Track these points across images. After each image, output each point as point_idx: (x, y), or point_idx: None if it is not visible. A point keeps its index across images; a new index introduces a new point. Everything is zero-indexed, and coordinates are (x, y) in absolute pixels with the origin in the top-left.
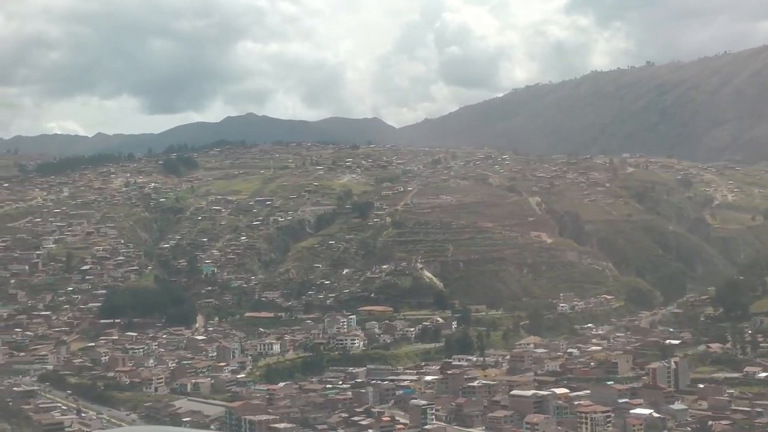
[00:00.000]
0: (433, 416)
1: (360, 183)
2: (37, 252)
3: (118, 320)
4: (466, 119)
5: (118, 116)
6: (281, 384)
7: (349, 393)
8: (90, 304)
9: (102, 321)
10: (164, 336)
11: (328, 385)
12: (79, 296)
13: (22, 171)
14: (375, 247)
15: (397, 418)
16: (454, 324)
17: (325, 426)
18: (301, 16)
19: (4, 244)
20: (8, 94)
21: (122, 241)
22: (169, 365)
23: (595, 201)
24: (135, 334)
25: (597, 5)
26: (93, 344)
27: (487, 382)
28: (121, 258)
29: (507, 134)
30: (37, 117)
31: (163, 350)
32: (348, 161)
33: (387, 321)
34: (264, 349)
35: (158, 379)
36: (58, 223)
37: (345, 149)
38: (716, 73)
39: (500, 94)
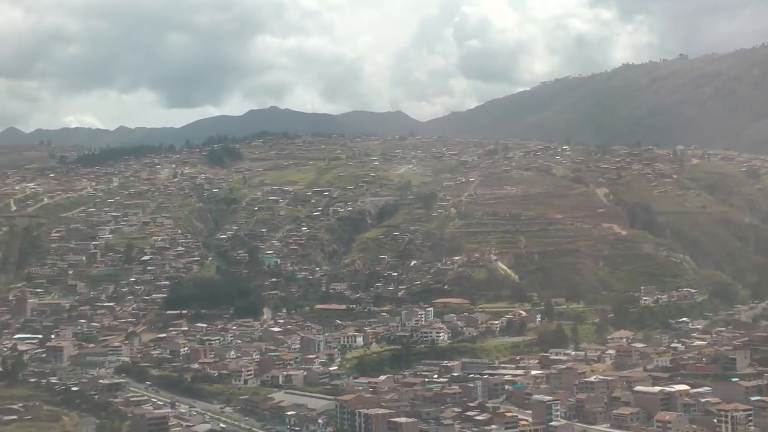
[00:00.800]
0: (558, 413)
1: (417, 174)
2: (94, 242)
3: (185, 311)
4: (494, 112)
5: (135, 110)
6: (382, 377)
7: (456, 387)
8: (153, 295)
9: (168, 312)
10: (234, 327)
11: (425, 379)
12: (142, 287)
13: (62, 162)
14: (442, 238)
15: (514, 414)
16: (538, 317)
17: (445, 420)
18: (320, 11)
19: (58, 235)
20: (27, 88)
21: (179, 232)
22: (253, 357)
23: (665, 192)
24: (205, 325)
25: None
26: (164, 335)
27: (603, 377)
28: (181, 248)
29: (538, 127)
30: (56, 111)
31: (240, 341)
32: (397, 151)
33: (466, 314)
34: (347, 341)
35: (247, 371)
36: (113, 213)
37: (391, 140)
38: (756, 64)
39: (523, 88)
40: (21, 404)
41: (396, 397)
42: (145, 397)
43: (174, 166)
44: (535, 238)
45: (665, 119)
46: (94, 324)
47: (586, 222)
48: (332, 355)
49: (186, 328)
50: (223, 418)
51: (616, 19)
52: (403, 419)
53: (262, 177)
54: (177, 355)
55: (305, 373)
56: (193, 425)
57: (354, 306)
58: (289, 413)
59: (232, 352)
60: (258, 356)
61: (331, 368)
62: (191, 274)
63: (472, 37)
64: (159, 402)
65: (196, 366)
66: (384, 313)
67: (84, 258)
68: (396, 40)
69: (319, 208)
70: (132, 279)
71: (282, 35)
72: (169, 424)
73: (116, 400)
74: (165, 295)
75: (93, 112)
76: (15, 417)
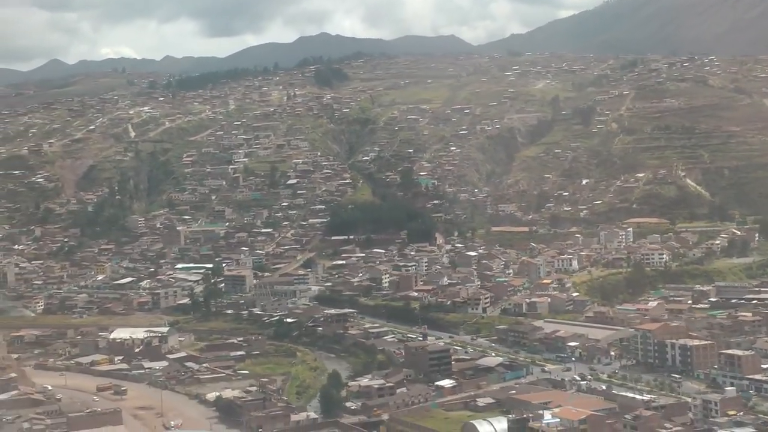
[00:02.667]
0: None
1: (558, 88)
2: (231, 167)
3: (351, 237)
4: (557, 33)
5: (175, 40)
6: (652, 303)
7: (748, 314)
8: (311, 220)
9: (333, 238)
10: (413, 253)
11: (691, 304)
12: (296, 212)
13: (152, 87)
14: (610, 154)
15: None
16: (757, 236)
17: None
18: None
19: (190, 159)
20: (67, 20)
21: (318, 154)
22: (475, 283)
23: None
24: (382, 250)
25: None
26: (343, 262)
27: None
28: (327, 171)
29: (611, 45)
30: (96, 42)
31: (439, 267)
32: (515, 68)
33: (671, 233)
34: (561, 264)
35: (485, 298)
36: (244, 136)
37: (501, 58)
38: None
39: (567, 11)
40: (240, 339)
41: (686, 326)
42: (385, 329)
43: (281, 87)
44: (719, 153)
45: (749, 34)
46: (258, 251)
47: (766, 134)
48: (561, 280)
49: (362, 254)
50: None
51: None
52: (739, 351)
53: (389, 96)
54: (379, 283)
55: (549, 300)
56: (476, 359)
57: (535, 228)
58: (571, 344)
59: (445, 279)
60: (477, 282)
61: (575, 294)
62: (346, 197)
63: None
64: (401, 333)
65: (414, 294)
66: (578, 235)
67: (224, 183)
68: None
69: (464, 127)
70: (284, 204)
71: None
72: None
73: (353, 332)
74: (324, 220)
75: (130, 44)
76: (242, 353)
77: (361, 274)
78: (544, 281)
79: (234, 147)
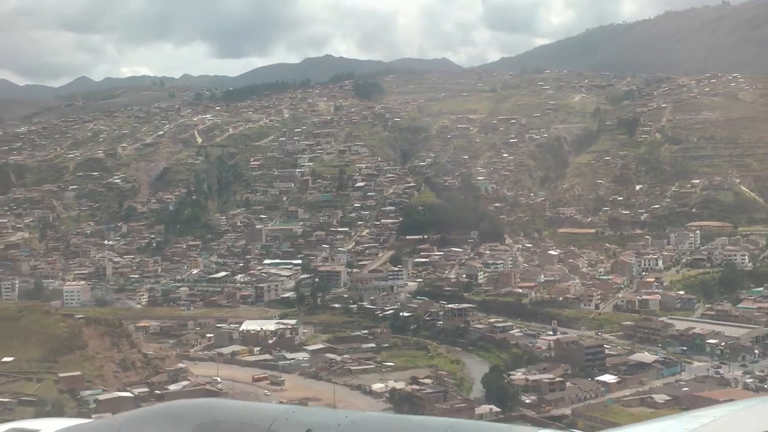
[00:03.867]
0: None
1: (593, 101)
2: (298, 170)
3: (424, 236)
4: (543, 58)
5: (187, 61)
6: None
7: None
8: (383, 220)
9: (408, 237)
10: (488, 252)
11: None
12: (367, 212)
13: (198, 98)
14: (658, 162)
15: None
16: None
17: None
18: None
19: (257, 163)
20: (93, 41)
21: (379, 159)
22: (575, 281)
23: None
24: (459, 249)
25: None
26: (426, 259)
27: None
28: (391, 175)
29: (594, 71)
30: (117, 62)
31: (527, 265)
32: (540, 84)
33: (737, 237)
34: (647, 264)
35: (597, 295)
36: (306, 142)
37: (527, 74)
38: None
39: (541, 39)
40: (365, 332)
41: None
42: (509, 323)
43: (325, 99)
44: (765, 162)
45: (730, 56)
46: (341, 249)
47: None
48: (659, 278)
49: (440, 252)
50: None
51: None
52: None
53: (435, 107)
54: (475, 279)
55: (659, 297)
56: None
57: (601, 230)
58: (710, 341)
59: (542, 276)
60: (576, 280)
61: (680, 292)
62: (413, 199)
63: None
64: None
65: (518, 290)
66: (647, 237)
67: (293, 185)
68: None
69: (512, 136)
70: (356, 205)
71: None
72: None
73: (479, 326)
74: (395, 221)
75: (148, 64)
76: (373, 345)
77: (455, 271)
78: (647, 279)
79: (297, 152)
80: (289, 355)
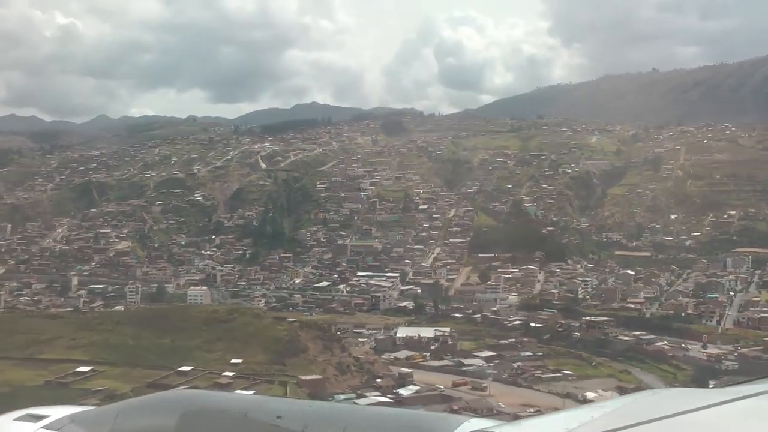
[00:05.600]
0: None
1: (609, 143)
2: (363, 193)
3: (494, 255)
4: (500, 111)
5: (188, 104)
6: None
7: None
8: (451, 240)
9: (480, 255)
10: (558, 270)
11: None
12: (436, 232)
13: (237, 132)
14: (687, 195)
15: None
16: None
17: None
18: (335, 32)
19: (323, 186)
20: (110, 86)
21: (432, 186)
22: (681, 299)
23: None
24: (535, 267)
25: (564, 29)
26: (509, 275)
27: None
28: (448, 200)
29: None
30: (128, 104)
31: (613, 282)
32: (544, 126)
33: None
34: (730, 285)
35: (719, 311)
36: (363, 169)
37: (527, 121)
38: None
39: (486, 96)
40: (512, 340)
41: None
42: (653, 336)
43: (358, 134)
44: None
45: (663, 115)
46: (423, 265)
47: None
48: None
49: (516, 270)
50: None
51: (559, 45)
52: None
53: (468, 143)
54: (576, 294)
55: None
56: None
57: (656, 253)
58: None
59: (641, 294)
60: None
61: None
62: (475, 222)
63: (449, 55)
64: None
65: (631, 305)
66: (703, 260)
67: (360, 206)
68: (390, 55)
69: (545, 169)
70: (425, 225)
71: (306, 50)
72: None
73: (624, 338)
74: (463, 240)
75: (152, 106)
76: (529, 353)
77: (541, 286)
78: (754, 298)
79: (358, 177)
80: (465, 361)
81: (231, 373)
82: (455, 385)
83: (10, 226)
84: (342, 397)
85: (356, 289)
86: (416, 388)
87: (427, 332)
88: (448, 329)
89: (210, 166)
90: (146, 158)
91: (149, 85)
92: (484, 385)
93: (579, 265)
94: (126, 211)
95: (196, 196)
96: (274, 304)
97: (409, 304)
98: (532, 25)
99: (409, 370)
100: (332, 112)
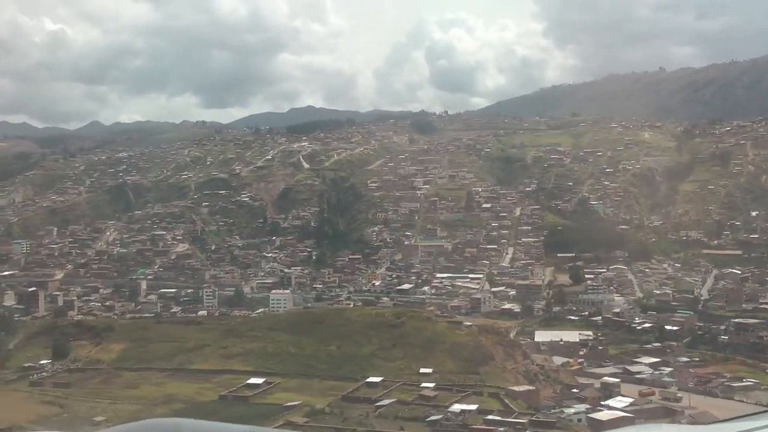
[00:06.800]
0: None
1: (661, 138)
2: (419, 192)
3: (571, 254)
4: (504, 112)
5: (177, 110)
6: None
7: None
8: (523, 239)
9: (558, 255)
10: (646, 270)
11: None
12: (506, 231)
13: (257, 134)
14: (762, 190)
15: None
16: None
17: None
18: (327, 35)
19: (375, 185)
20: (100, 91)
21: (488, 184)
22: None
23: None
24: (625, 267)
25: (557, 30)
26: (603, 270)
27: None
28: (511, 198)
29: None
30: (119, 110)
31: (725, 283)
32: (580, 123)
33: None
34: None
35: None
36: (413, 168)
37: (561, 117)
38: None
39: (478, 98)
40: (656, 344)
41: None
42: None
43: (391, 134)
44: None
45: (677, 115)
46: (503, 264)
47: None
48: None
49: (604, 269)
50: None
51: (552, 47)
52: None
53: (516, 139)
54: (691, 293)
55: None
56: None
57: (746, 252)
58: None
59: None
60: None
61: None
62: (545, 220)
63: (441, 58)
64: None
65: (765, 306)
66: None
67: (418, 205)
68: (382, 58)
69: (604, 166)
70: (494, 224)
71: (298, 54)
72: None
73: None
74: (535, 240)
75: (142, 112)
76: (687, 359)
77: (644, 287)
78: None
79: (410, 176)
80: (630, 368)
81: (430, 384)
82: (642, 395)
83: (56, 229)
84: (572, 410)
85: (442, 291)
86: (628, 399)
87: (569, 336)
88: (590, 333)
89: (251, 166)
90: (177, 159)
91: (139, 91)
92: (679, 395)
93: (665, 265)
94: (174, 212)
95: (243, 197)
96: (361, 306)
97: (513, 306)
98: (524, 27)
99: (615, 380)
100: (328, 115)
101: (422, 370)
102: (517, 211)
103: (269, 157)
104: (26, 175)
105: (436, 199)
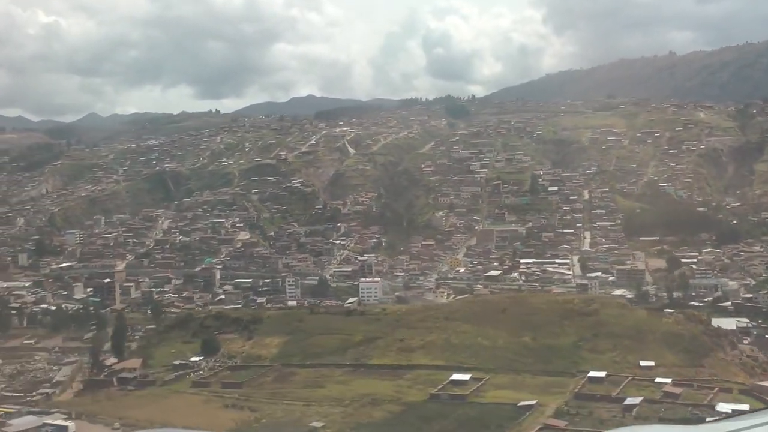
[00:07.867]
0: None
1: (718, 118)
2: (479, 175)
3: (656, 238)
4: (510, 98)
5: (172, 101)
6: None
7: None
8: (598, 222)
9: (641, 238)
10: (742, 254)
11: None
12: (580, 215)
13: (282, 120)
14: None
15: None
16: None
17: None
18: (323, 24)
19: (430, 169)
20: (95, 83)
21: (546, 167)
22: None
23: None
24: (720, 251)
25: (555, 16)
26: (696, 254)
27: None
28: (576, 181)
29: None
30: (113, 102)
31: None
32: (620, 105)
33: None
34: None
35: None
36: (467, 151)
37: (598, 99)
38: None
39: (475, 86)
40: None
41: None
42: None
43: (426, 117)
44: None
45: (692, 97)
46: (586, 249)
47: None
48: None
49: (695, 255)
50: None
51: (551, 33)
52: None
53: (566, 121)
54: None
55: None
56: None
57: None
58: None
59: None
60: None
61: None
62: (620, 203)
63: (437, 46)
64: None
65: None
66: None
67: (479, 189)
68: (377, 48)
69: (666, 147)
70: (566, 207)
71: (294, 43)
72: None
73: None
74: (612, 223)
75: (137, 104)
76: None
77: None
78: None
79: (464, 159)
80: None
81: (666, 380)
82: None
83: (103, 218)
84: None
85: (533, 277)
86: None
87: (723, 323)
88: (746, 320)
89: (295, 152)
90: (210, 147)
91: (135, 82)
92: None
93: (757, 247)
94: (225, 200)
95: (294, 182)
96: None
97: (625, 292)
98: (521, 14)
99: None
100: (330, 104)
101: (642, 363)
102: (586, 194)
103: (312, 142)
104: (54, 165)
105: (499, 182)
